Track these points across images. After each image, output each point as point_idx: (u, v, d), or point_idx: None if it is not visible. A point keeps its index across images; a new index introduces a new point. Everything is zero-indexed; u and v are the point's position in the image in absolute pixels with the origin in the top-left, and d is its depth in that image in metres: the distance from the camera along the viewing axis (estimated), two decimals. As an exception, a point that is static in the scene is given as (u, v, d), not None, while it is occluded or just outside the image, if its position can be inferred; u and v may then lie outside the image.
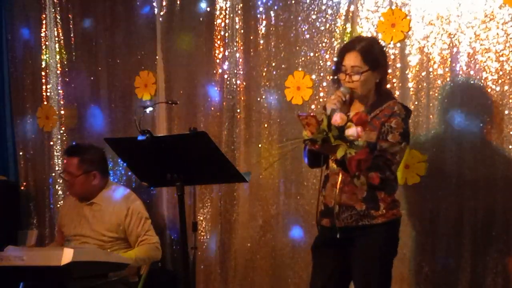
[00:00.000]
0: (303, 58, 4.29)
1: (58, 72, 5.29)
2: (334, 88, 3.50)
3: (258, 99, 4.47)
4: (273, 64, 4.41)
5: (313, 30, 4.25)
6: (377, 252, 3.23)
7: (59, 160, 5.28)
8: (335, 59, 4.03)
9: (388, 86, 3.94)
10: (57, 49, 5.28)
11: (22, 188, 5.45)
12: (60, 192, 5.27)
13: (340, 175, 3.23)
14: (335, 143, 2.96)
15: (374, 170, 3.10)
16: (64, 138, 5.29)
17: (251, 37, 4.48)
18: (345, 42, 3.86)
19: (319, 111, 3.49)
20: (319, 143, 3.00)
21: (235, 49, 4.54)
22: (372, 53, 3.27)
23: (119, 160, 4.88)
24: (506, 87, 3.69)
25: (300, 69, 4.30)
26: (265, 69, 4.43)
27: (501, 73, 3.70)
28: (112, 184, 4.46)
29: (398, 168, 3.28)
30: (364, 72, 3.22)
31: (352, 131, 2.96)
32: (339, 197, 3.24)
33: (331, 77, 3.93)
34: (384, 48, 3.67)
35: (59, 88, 5.30)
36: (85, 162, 4.25)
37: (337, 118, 2.96)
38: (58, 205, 5.22)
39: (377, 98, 3.30)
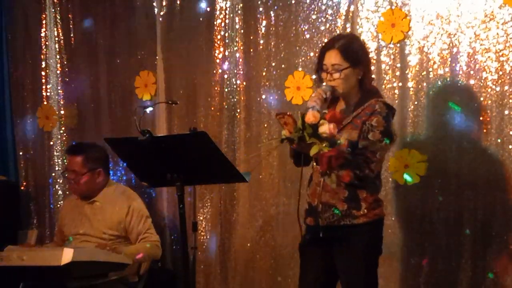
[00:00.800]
0: (303, 58, 4.29)
1: (58, 72, 5.30)
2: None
3: (258, 99, 4.47)
4: (273, 64, 4.41)
5: (313, 30, 4.25)
6: (360, 253, 3.21)
7: (59, 160, 5.29)
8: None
9: (389, 86, 3.97)
10: (57, 49, 5.28)
11: (22, 188, 5.45)
12: (60, 192, 5.28)
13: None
14: (309, 141, 2.97)
15: (347, 168, 3.10)
16: (64, 138, 5.30)
17: (251, 37, 4.48)
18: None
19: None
20: (295, 142, 3.01)
21: (235, 49, 4.54)
22: (352, 49, 3.25)
23: (119, 160, 4.88)
24: (506, 87, 3.69)
25: (300, 69, 4.30)
26: (265, 69, 4.43)
27: (501, 73, 3.70)
28: (113, 183, 4.48)
29: (380, 166, 3.26)
30: (344, 69, 3.21)
31: (324, 128, 2.97)
32: (322, 195, 3.24)
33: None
34: (364, 43, 3.65)
35: (59, 88, 5.31)
36: (90, 160, 4.27)
37: (310, 116, 2.97)
38: (58, 205, 5.23)
39: (361, 96, 3.28)
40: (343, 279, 3.29)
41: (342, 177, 3.13)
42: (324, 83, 3.24)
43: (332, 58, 3.23)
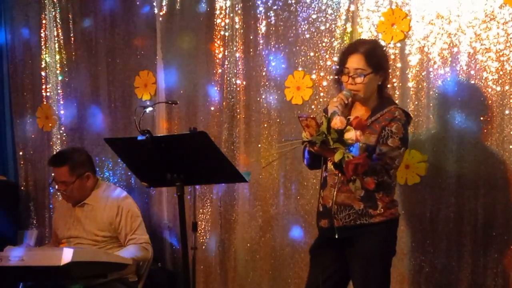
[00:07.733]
0: (303, 58, 4.29)
1: (58, 72, 5.30)
2: (335, 88, 3.50)
3: (258, 99, 4.47)
4: (273, 64, 4.41)
5: (313, 30, 4.25)
6: (376, 252, 3.24)
7: (59, 160, 5.28)
8: (335, 59, 4.04)
9: (388, 86, 3.96)
10: (57, 49, 5.28)
11: (22, 188, 5.45)
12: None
13: (339, 175, 3.24)
14: (333, 146, 2.99)
15: (371, 174, 3.11)
16: (64, 138, 5.29)
17: (251, 37, 4.48)
18: (347, 44, 3.86)
19: (320, 114, 3.50)
20: (317, 145, 3.02)
21: (235, 49, 4.54)
22: (375, 55, 3.29)
23: (119, 160, 4.87)
24: (506, 87, 3.69)
25: (300, 69, 4.30)
26: (265, 69, 4.43)
27: (501, 73, 3.70)
28: (103, 183, 4.41)
29: (396, 172, 3.29)
30: (367, 74, 3.23)
31: (351, 134, 3.00)
32: (337, 196, 3.25)
33: (331, 77, 3.93)
34: (385, 50, 3.68)
35: (59, 88, 5.30)
36: (76, 167, 4.20)
37: (337, 121, 3.00)
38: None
39: (379, 102, 3.31)
40: (356, 279, 3.30)
41: (367, 184, 3.13)
42: (344, 88, 3.25)
43: (355, 62, 3.25)
